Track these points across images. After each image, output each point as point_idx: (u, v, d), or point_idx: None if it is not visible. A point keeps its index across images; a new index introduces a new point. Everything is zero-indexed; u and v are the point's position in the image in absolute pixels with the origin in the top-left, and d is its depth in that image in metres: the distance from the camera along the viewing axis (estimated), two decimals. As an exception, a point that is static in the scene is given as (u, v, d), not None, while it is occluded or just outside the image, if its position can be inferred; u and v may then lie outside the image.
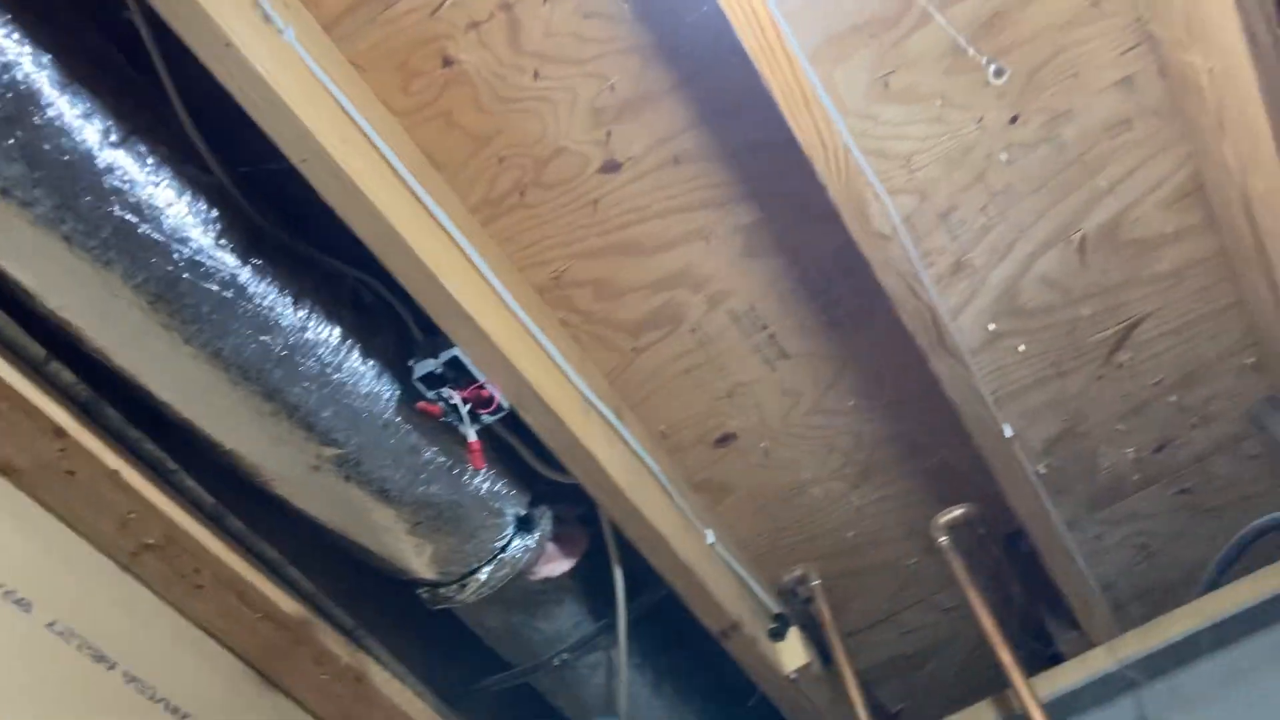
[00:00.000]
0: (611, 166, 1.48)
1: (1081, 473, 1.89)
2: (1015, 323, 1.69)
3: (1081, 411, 1.81)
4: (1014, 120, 1.51)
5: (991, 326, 1.68)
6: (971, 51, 1.31)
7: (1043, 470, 1.81)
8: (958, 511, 1.73)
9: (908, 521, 1.92)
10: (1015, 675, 1.51)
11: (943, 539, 1.72)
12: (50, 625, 1.21)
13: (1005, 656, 1.53)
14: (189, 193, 1.18)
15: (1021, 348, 1.71)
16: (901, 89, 1.46)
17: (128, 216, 1.13)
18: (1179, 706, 1.66)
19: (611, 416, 1.52)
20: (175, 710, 1.32)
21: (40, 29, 1.08)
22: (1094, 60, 1.47)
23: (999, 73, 1.30)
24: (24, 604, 1.19)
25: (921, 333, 1.46)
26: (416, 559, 1.46)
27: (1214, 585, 1.92)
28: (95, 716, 1.21)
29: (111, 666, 1.26)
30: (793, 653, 1.72)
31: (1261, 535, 1.83)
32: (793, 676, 1.72)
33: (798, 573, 1.84)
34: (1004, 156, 1.54)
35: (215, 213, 1.20)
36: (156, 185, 1.15)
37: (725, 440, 1.77)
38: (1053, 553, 1.72)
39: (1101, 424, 1.84)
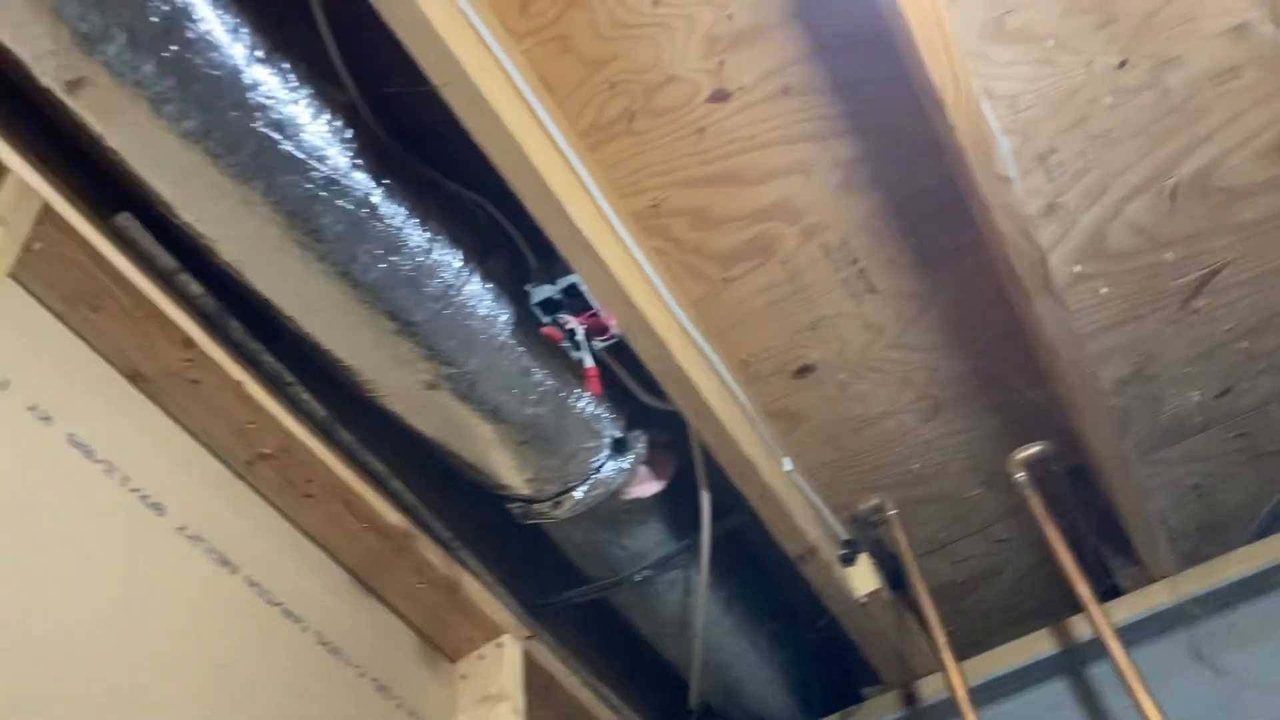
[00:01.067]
0: (721, 96, 1.49)
1: (1146, 413, 1.93)
2: (1100, 265, 1.71)
3: (1152, 354, 1.84)
4: (1122, 65, 1.51)
5: (1077, 269, 1.70)
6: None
7: (1112, 407, 1.85)
8: (1035, 449, 1.77)
9: (973, 456, 1.96)
10: (1091, 604, 1.57)
11: (1019, 474, 1.76)
12: (181, 529, 1.25)
13: (1080, 586, 1.58)
14: (327, 111, 1.19)
15: (1103, 290, 1.74)
16: (1016, 28, 1.45)
17: (270, 133, 1.14)
18: (1233, 643, 1.72)
19: (706, 346, 1.55)
20: (290, 614, 1.37)
21: (191, -59, 1.08)
22: (1209, 5, 1.46)
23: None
24: (158, 507, 1.23)
25: (1029, 275, 1.48)
26: (517, 476, 1.50)
27: (1267, 530, 1.97)
28: (224, 618, 1.26)
29: (235, 571, 1.31)
30: (864, 578, 1.78)
31: (1318, 482, 1.87)
32: (864, 601, 1.77)
33: (873, 501, 1.88)
34: (1108, 100, 1.54)
35: (350, 132, 1.21)
36: (297, 103, 1.16)
37: (804, 371, 1.80)
38: (1123, 490, 1.77)
39: (1170, 367, 1.87)
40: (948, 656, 1.75)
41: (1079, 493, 1.92)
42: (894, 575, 1.90)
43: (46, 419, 1.14)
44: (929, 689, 2.03)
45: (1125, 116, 1.56)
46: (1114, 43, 1.49)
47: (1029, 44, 1.47)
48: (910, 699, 2.04)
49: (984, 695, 1.90)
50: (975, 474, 1.99)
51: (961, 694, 1.70)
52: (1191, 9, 1.46)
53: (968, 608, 2.27)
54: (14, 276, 1.14)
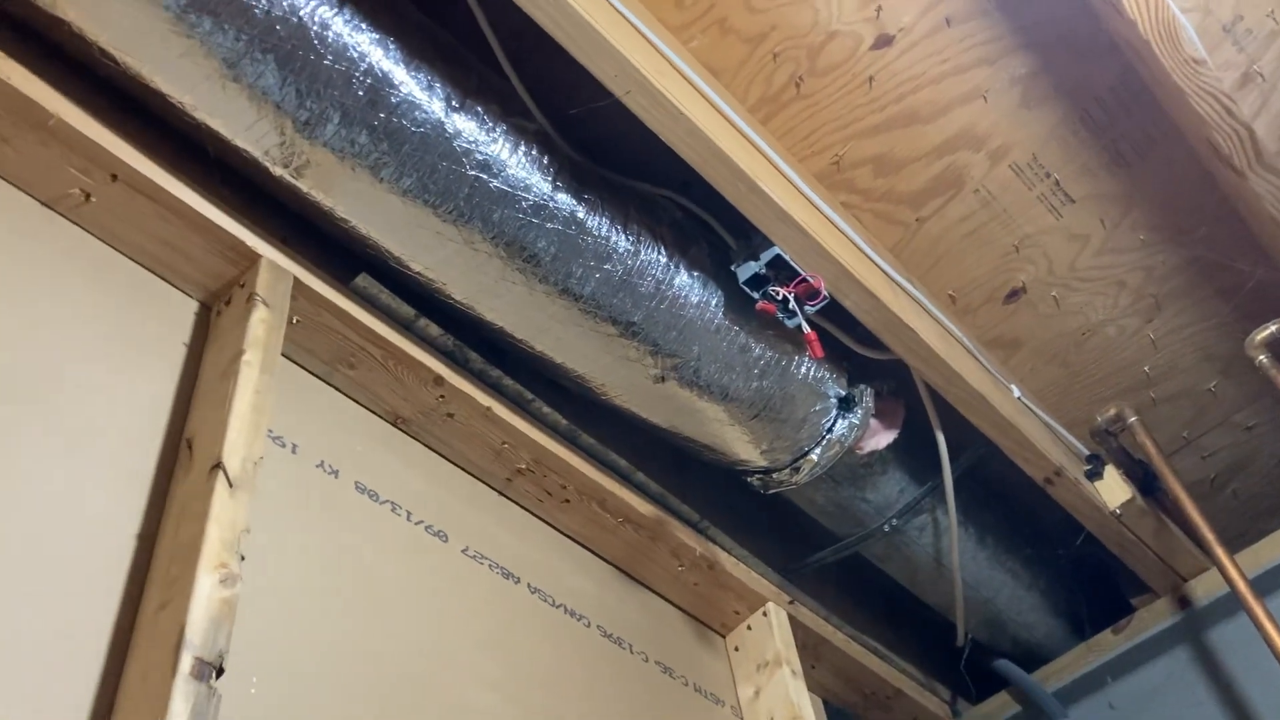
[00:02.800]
0: (884, 41, 1.49)
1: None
2: (1311, 126, 1.62)
3: (1384, 206, 1.74)
4: (1300, -85, 1.44)
5: (1286, 134, 1.62)
6: None
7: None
8: (1272, 328, 1.70)
9: (1205, 346, 1.89)
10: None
11: (1261, 356, 1.70)
12: (464, 550, 1.35)
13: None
14: (522, 143, 1.26)
15: (1318, 151, 1.65)
16: (1178, -96, 1.41)
17: (479, 174, 1.22)
18: None
19: (913, 289, 1.56)
20: (572, 613, 1.46)
21: (376, 15, 1.16)
22: None
23: None
24: (441, 535, 1.34)
25: (1238, 152, 1.43)
26: (753, 449, 1.55)
27: None
28: (518, 625, 1.35)
29: (517, 581, 1.40)
30: (1114, 490, 1.75)
31: None
32: (1117, 512, 1.75)
33: (1110, 411, 1.85)
34: (1290, -47, 1.47)
35: (546, 158, 1.28)
36: (495, 141, 1.24)
37: (1014, 295, 1.78)
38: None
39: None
40: (1220, 551, 1.70)
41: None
42: (1144, 481, 1.86)
43: (334, 473, 1.25)
44: (1202, 589, 1.97)
45: (1313, -35, 1.48)
46: (1287, -107, 1.42)
47: (1194, -84, 1.42)
48: (1183, 602, 1.98)
49: (1265, 584, 1.84)
50: (1211, 364, 1.92)
51: (1242, 585, 1.66)
52: None
53: (1224, 501, 2.19)
54: (281, 351, 1.26)
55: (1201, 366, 1.93)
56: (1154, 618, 2.02)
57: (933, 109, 1.56)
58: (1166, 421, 2.01)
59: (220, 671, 0.84)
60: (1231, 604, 1.86)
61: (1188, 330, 1.87)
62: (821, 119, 1.56)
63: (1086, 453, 1.82)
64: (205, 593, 0.88)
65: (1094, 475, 1.77)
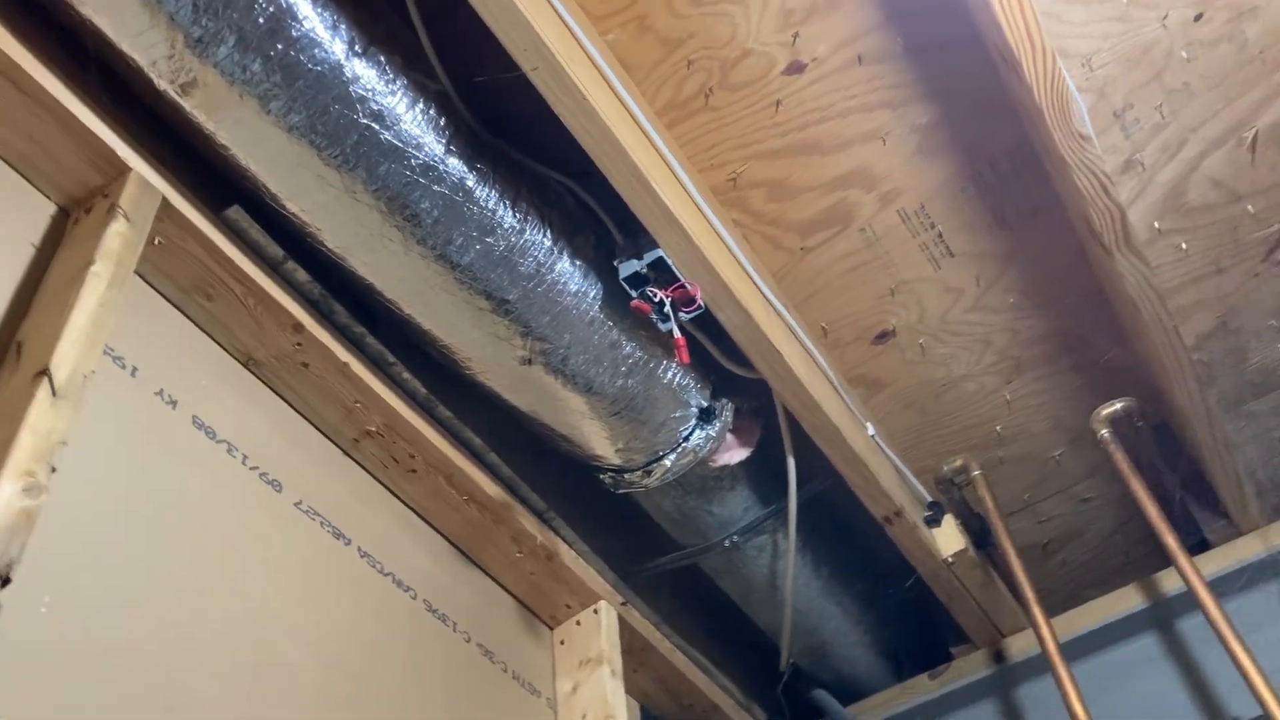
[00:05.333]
0: (796, 68, 1.51)
1: (1231, 367, 1.92)
2: (1180, 220, 1.70)
3: (1235, 308, 1.83)
4: (1198, 18, 1.50)
5: (1156, 224, 1.70)
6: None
7: (1196, 361, 1.85)
8: (1118, 405, 1.78)
9: (1056, 415, 1.97)
10: (1181, 556, 1.58)
11: (1103, 431, 1.77)
12: (298, 504, 1.32)
13: (1169, 539, 1.59)
14: (421, 101, 1.24)
15: (1184, 245, 1.73)
16: (1090, -14, 1.46)
17: (371, 124, 1.20)
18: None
19: (788, 315, 1.58)
20: (400, 583, 1.44)
21: (290, -56, 1.13)
22: (1286, -45, 1.46)
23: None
24: (275, 484, 1.30)
25: (1109, 232, 1.49)
26: (609, 446, 1.55)
27: (1358, 480, 1.95)
28: (341, 587, 1.33)
29: (348, 543, 1.38)
30: (949, 539, 1.80)
31: None
32: (950, 561, 1.80)
33: (957, 463, 1.91)
34: (1184, 54, 1.54)
35: (443, 120, 1.26)
36: (394, 94, 1.21)
37: (884, 337, 1.83)
38: (1210, 444, 1.77)
39: (1254, 320, 1.86)
40: (1038, 611, 1.77)
41: (1164, 448, 1.92)
42: (979, 535, 1.92)
43: (172, 403, 1.21)
44: (1018, 646, 2.05)
45: (1202, 69, 1.55)
46: (1190, -5, 1.48)
47: (1103, 2, 1.48)
48: (999, 656, 2.06)
49: (1074, 651, 1.92)
50: (1058, 433, 2.00)
51: (1053, 648, 1.72)
52: (1269, -42, 1.45)
53: (1053, 567, 2.28)
54: (136, 270, 1.21)
55: (1050, 434, 2.01)
56: (970, 668, 2.09)
57: (833, 142, 1.59)
58: (1009, 482, 2.08)
59: (6, 581, 0.81)
60: (1041, 665, 1.93)
61: (1042, 397, 1.95)
62: (725, 134, 1.57)
63: (929, 499, 1.87)
64: (4, 499, 0.84)
65: (932, 522, 1.82)
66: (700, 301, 1.40)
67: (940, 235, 1.70)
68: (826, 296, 1.77)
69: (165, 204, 1.20)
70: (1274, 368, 1.93)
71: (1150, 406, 1.87)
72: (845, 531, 1.96)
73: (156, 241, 1.21)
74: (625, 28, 1.45)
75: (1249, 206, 1.71)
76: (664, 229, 1.35)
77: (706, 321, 1.48)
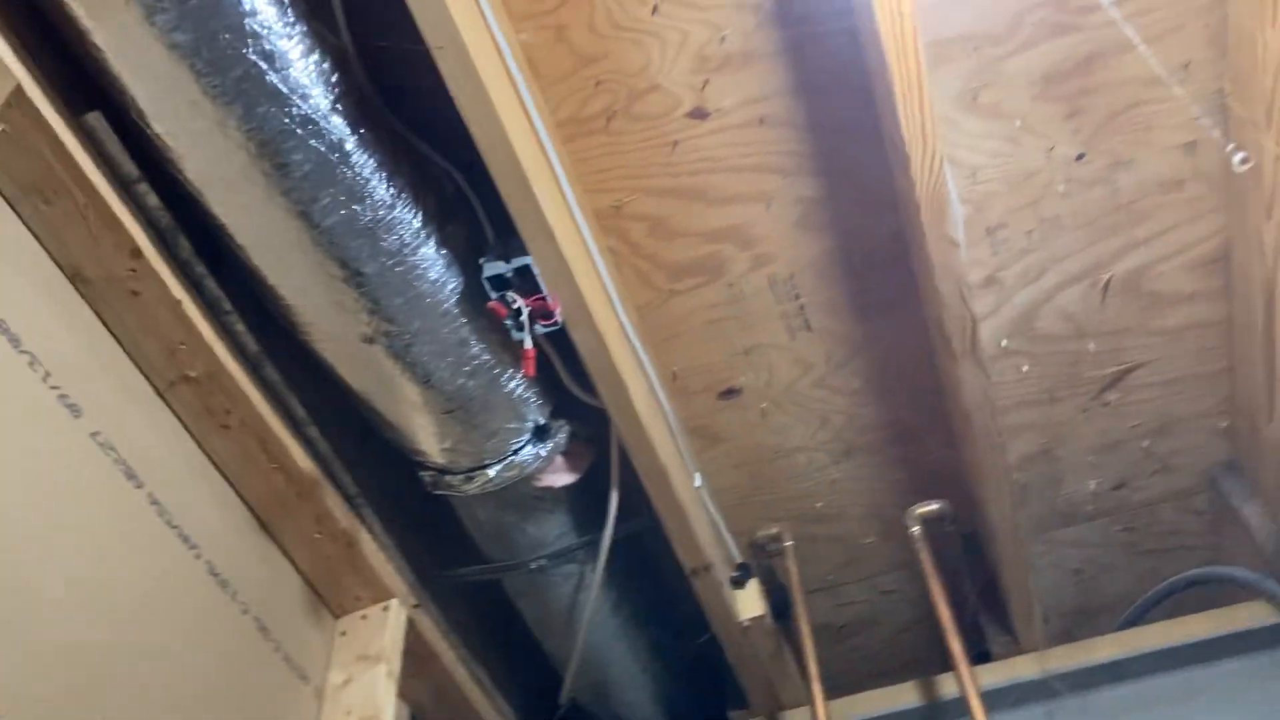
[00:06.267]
0: (700, 114, 1.52)
1: (1044, 492, 2.01)
2: (1026, 344, 1.78)
3: (1061, 437, 1.92)
4: (1080, 158, 1.58)
5: (1004, 343, 1.77)
6: (1217, 134, 1.38)
7: (1013, 482, 1.92)
8: (934, 506, 1.84)
9: (875, 504, 2.02)
10: (962, 663, 1.63)
11: (915, 528, 1.82)
12: (94, 435, 1.24)
13: (955, 645, 1.64)
14: (317, 51, 1.20)
15: (1025, 368, 1.81)
16: (988, 104, 1.52)
17: (259, 61, 1.15)
18: (1086, 723, 1.80)
19: (643, 353, 1.58)
20: (186, 539, 1.36)
21: None
22: (1168, 119, 1.55)
23: (1244, 161, 1.39)
24: (74, 409, 1.22)
25: (958, 339, 1.54)
26: (435, 444, 1.52)
27: (1134, 621, 2.06)
28: (119, 528, 1.25)
29: (139, 486, 1.30)
30: (750, 602, 1.82)
31: (1190, 586, 1.97)
32: (746, 624, 1.81)
33: (773, 530, 1.93)
34: (1061, 188, 1.61)
35: (337, 76, 1.22)
36: (290, 38, 1.17)
37: (730, 394, 1.84)
38: (1011, 562, 1.84)
39: (1075, 453, 1.95)
40: (817, 691, 1.80)
41: (968, 556, 1.99)
42: (780, 606, 1.95)
43: (-21, 300, 1.13)
44: (793, 720, 2.08)
45: (1075, 207, 1.63)
46: (1077, 134, 1.56)
47: (998, 120, 1.54)
48: (774, 728, 2.08)
49: (842, 736, 1.96)
50: (873, 522, 2.05)
51: (824, 729, 1.75)
52: (1152, 118, 1.54)
53: (844, 651, 2.33)
54: (-28, 154, 1.13)
55: (866, 520, 2.06)
56: (743, 734, 2.11)
57: (721, 195, 1.61)
58: (819, 559, 2.13)
59: None
60: (812, 744, 1.96)
61: (866, 483, 1.99)
62: (620, 161, 1.57)
63: (740, 560, 1.88)
64: None
65: (738, 583, 1.83)
66: (559, 318, 1.38)
67: (803, 308, 1.73)
68: (684, 342, 1.78)
69: (19, 91, 1.12)
70: (1082, 502, 2.03)
71: (964, 514, 1.93)
72: (652, 577, 1.96)
73: (1, 129, 1.13)
74: (542, 32, 1.44)
75: (1091, 345, 1.80)
76: (537, 237, 1.33)
77: (561, 340, 1.47)
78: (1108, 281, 1.71)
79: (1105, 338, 1.79)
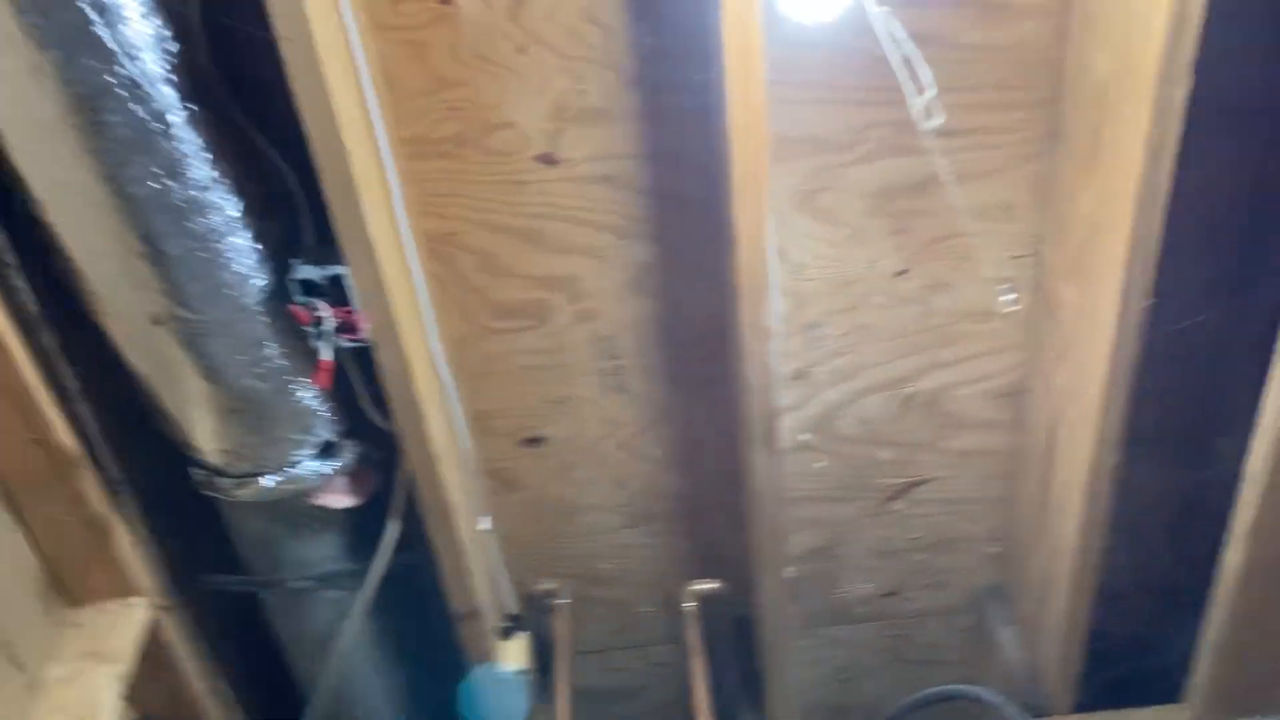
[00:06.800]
0: (549, 159, 1.52)
1: (820, 589, 2.05)
2: (825, 442, 1.83)
3: (843, 538, 1.97)
4: (901, 274, 1.65)
5: (803, 437, 1.81)
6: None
7: (790, 574, 1.96)
8: (712, 586, 1.85)
9: (658, 574, 2.03)
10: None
11: (691, 605, 1.83)
12: None
13: (705, 728, 1.65)
14: (160, 16, 1.14)
15: (820, 464, 1.86)
16: (823, 208, 1.57)
17: (89, 11, 1.09)
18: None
19: (451, 386, 1.55)
20: (-88, 499, 1.25)
21: None
22: (987, 253, 1.63)
23: (1012, 301, 1.47)
24: None
25: (759, 425, 1.56)
26: (212, 442, 1.44)
27: (887, 726, 2.11)
28: None
29: None
30: (514, 655, 1.79)
31: (943, 700, 2.03)
32: (507, 677, 1.78)
33: (551, 585, 1.91)
34: (879, 300, 1.67)
35: (177, 48, 1.17)
36: (131, -7, 1.11)
37: (535, 442, 1.83)
38: (776, 653, 1.86)
39: (855, 555, 2.01)
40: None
41: (736, 642, 2.01)
42: (545, 663, 1.92)
43: None
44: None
45: (890, 319, 1.70)
46: (900, 251, 1.62)
47: (830, 225, 1.59)
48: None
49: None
50: (654, 591, 2.05)
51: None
52: (970, 249, 1.61)
53: (603, 718, 2.32)
54: None
55: (646, 589, 2.06)
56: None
57: (557, 243, 1.60)
58: (595, 621, 2.11)
59: None
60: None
61: (652, 552, 2.00)
62: (462, 190, 1.55)
63: (513, 611, 1.86)
64: None
65: (505, 634, 1.80)
66: (364, 334, 1.34)
67: (620, 368, 1.74)
68: (496, 382, 1.76)
69: None
70: (855, 603, 2.09)
71: (740, 596, 1.95)
72: (421, 616, 1.90)
73: None
74: (404, 46, 1.42)
75: (885, 453, 1.86)
76: (356, 249, 1.29)
77: (364, 358, 1.43)
78: (909, 395, 1.78)
79: (899, 448, 1.86)
